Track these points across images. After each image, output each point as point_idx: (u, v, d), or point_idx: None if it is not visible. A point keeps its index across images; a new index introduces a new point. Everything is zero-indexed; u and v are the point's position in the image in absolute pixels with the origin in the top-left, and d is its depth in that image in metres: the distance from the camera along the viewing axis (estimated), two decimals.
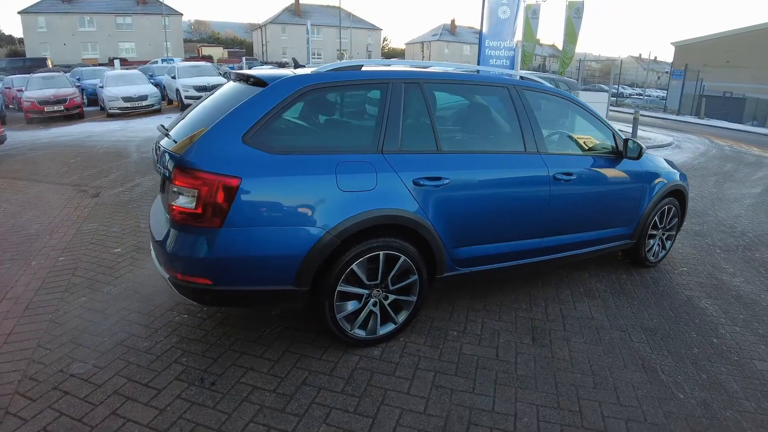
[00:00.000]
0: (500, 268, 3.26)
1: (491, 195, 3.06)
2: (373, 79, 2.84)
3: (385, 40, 71.82)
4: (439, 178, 2.77)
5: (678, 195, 4.37)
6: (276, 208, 2.42)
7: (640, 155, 3.74)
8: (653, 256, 4.41)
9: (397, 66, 3.39)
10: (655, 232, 4.31)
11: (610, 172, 3.71)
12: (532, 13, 15.51)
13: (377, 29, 66.36)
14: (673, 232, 4.55)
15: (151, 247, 2.79)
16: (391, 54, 71.69)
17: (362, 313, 2.75)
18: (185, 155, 2.34)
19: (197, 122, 2.69)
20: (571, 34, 14.64)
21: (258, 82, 2.66)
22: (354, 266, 2.59)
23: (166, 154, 2.50)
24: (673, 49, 39.98)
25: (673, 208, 4.36)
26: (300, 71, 2.81)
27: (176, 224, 2.41)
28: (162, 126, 2.90)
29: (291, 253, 2.45)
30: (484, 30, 9.06)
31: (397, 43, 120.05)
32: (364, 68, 2.88)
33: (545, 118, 3.51)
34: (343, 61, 3.15)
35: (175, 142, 2.52)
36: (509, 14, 8.88)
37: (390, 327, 2.87)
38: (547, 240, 3.41)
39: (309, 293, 2.56)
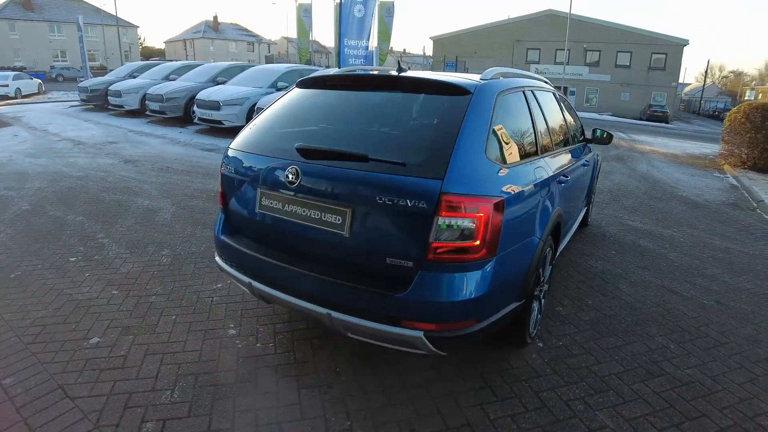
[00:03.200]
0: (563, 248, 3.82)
1: (573, 184, 3.61)
2: (519, 86, 2.95)
3: (139, 38, 64.53)
4: (566, 176, 3.18)
5: (598, 168, 5.64)
6: (520, 223, 2.37)
7: (610, 140, 4.74)
8: (589, 217, 5.60)
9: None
10: (591, 198, 5.46)
11: (589, 155, 4.63)
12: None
13: (133, 26, 59.15)
14: (593, 196, 5.84)
15: (336, 316, 2.16)
16: (149, 53, 64.92)
17: (535, 312, 2.86)
18: (453, 181, 2.01)
19: (372, 139, 2.43)
20: (384, 32, 16.06)
21: (448, 88, 2.42)
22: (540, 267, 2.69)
23: (393, 184, 2.06)
24: (431, 42, 46.98)
25: (596, 178, 5.60)
26: (467, 76, 2.67)
27: (432, 264, 2.04)
28: (301, 144, 2.33)
29: (524, 267, 2.42)
30: (342, 28, 9.37)
31: (153, 41, 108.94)
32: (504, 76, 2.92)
33: None
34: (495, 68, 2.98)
35: (403, 165, 2.08)
36: (364, 13, 9.37)
37: (539, 317, 3.04)
38: (576, 216, 4.12)
39: (525, 305, 2.52)
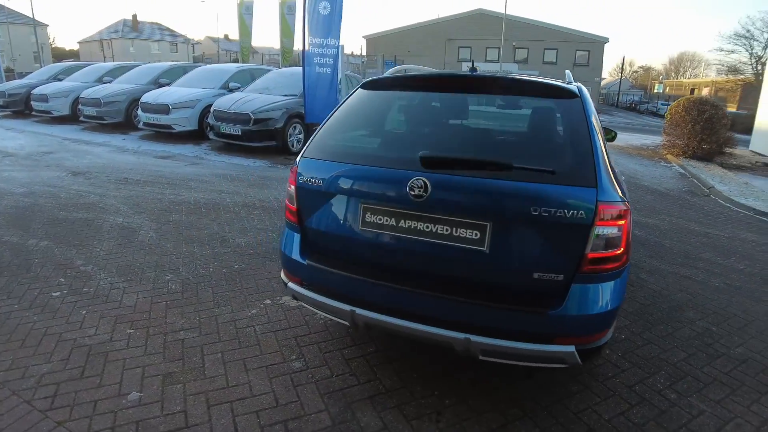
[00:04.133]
0: None
1: None
2: None
3: (49, 38, 59.11)
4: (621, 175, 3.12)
5: None
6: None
7: (614, 138, 4.78)
8: None
9: None
10: None
11: None
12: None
13: (42, 25, 53.97)
14: None
15: (477, 341, 1.96)
16: (60, 54, 59.68)
17: None
18: (604, 188, 1.92)
19: (507, 145, 2.40)
20: (286, 29, 15.68)
21: (555, 91, 2.33)
22: None
23: (547, 194, 1.92)
24: (364, 41, 46.87)
25: None
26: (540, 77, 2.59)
27: (585, 276, 1.95)
28: (428, 153, 2.09)
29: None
30: (307, 27, 8.87)
31: (64, 41, 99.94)
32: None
33: None
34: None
35: (552, 173, 1.96)
36: (330, 9, 8.94)
37: None
38: None
39: None
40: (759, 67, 40.07)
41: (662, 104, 44.63)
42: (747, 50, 41.75)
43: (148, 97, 10.21)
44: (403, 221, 2.06)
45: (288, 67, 12.48)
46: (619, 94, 55.88)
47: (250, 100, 9.10)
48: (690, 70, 64.71)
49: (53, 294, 3.27)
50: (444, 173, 2.02)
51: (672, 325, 3.20)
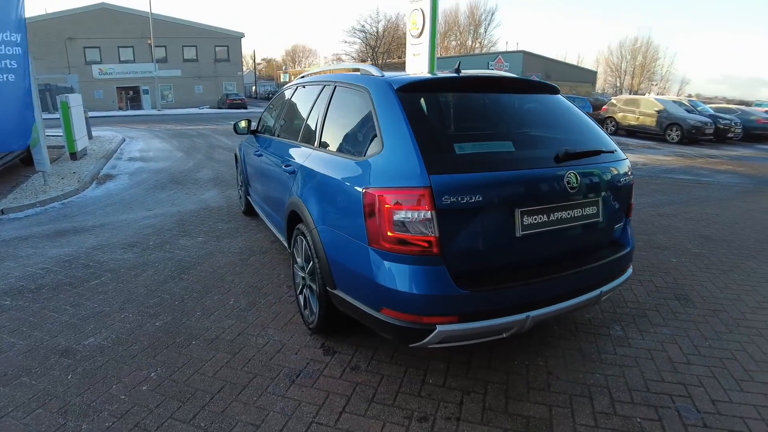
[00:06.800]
0: None
1: None
2: None
3: None
4: None
5: None
6: None
7: None
8: None
9: None
10: None
11: None
12: None
13: None
14: None
15: (605, 289, 2.41)
16: None
17: None
18: None
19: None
20: None
21: (548, 88, 2.76)
22: None
23: (625, 166, 2.57)
24: None
25: None
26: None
27: (629, 220, 2.69)
28: (570, 149, 2.28)
29: None
30: None
31: None
32: None
33: None
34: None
35: (614, 152, 2.54)
36: None
37: None
38: None
39: None
40: (373, 55, 48.73)
41: None
42: (363, 42, 49.84)
43: None
44: (553, 214, 2.20)
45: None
46: (256, 86, 58.75)
47: None
48: (305, 60, 73.75)
49: None
50: (577, 164, 2.26)
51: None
